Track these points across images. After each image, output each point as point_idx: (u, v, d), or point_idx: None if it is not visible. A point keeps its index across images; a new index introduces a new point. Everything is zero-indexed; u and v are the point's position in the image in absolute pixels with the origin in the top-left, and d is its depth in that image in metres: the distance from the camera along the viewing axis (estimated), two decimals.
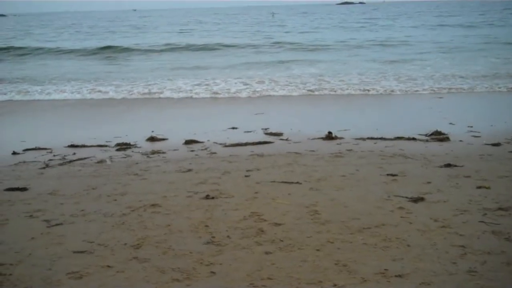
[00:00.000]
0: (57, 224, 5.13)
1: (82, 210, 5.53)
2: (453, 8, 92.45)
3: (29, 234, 4.90)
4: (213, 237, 4.68)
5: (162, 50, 29.10)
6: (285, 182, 6.36)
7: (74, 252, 4.45)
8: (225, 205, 5.55)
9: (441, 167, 6.92)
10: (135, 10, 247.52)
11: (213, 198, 5.81)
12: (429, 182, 6.22)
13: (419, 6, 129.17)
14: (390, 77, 17.15)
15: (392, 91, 14.70)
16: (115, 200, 5.86)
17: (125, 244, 4.58)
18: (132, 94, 15.17)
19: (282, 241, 4.55)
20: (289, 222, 4.99)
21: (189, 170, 7.11)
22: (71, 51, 29.59)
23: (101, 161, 7.82)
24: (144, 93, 15.21)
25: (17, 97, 15.31)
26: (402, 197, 5.65)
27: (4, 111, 13.06)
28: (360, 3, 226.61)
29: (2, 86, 17.25)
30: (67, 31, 53.95)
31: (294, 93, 14.63)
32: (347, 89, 14.99)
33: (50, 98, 15.08)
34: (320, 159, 7.54)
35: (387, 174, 6.59)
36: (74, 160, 7.93)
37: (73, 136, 9.49)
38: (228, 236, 4.69)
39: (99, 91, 15.79)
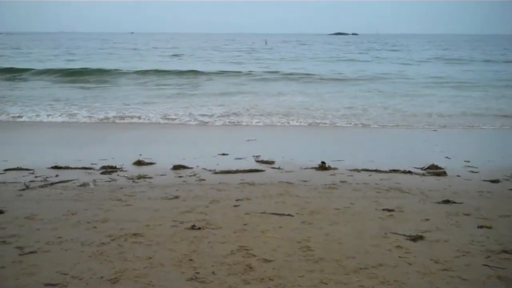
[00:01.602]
0: (30, 252, 4.76)
1: (59, 237, 5.16)
2: (450, 43, 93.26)
3: (0, 262, 4.52)
4: (197, 272, 4.33)
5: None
6: (276, 214, 6.03)
7: (46, 284, 4.09)
8: (212, 237, 5.20)
9: (439, 203, 6.62)
10: (132, 33, 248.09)
11: (199, 228, 5.46)
12: (427, 219, 5.91)
13: (412, 39, 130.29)
14: (382, 109, 17.00)
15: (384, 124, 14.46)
16: (95, 227, 5.50)
17: (102, 277, 4.22)
18: (119, 117, 14.84)
19: (271, 280, 4.21)
20: (280, 258, 4.65)
21: (176, 197, 6.77)
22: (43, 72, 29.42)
23: (84, 185, 7.46)
24: (133, 117, 14.86)
25: (2, 117, 14.87)
26: (400, 234, 5.33)
27: None
28: (353, 34, 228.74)
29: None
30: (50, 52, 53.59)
31: (288, 122, 14.35)
32: (340, 119, 14.77)
33: (37, 120, 14.64)
34: (313, 190, 7.22)
35: (383, 209, 6.27)
36: (56, 183, 7.56)
37: (58, 157, 9.15)
38: (213, 273, 4.33)
39: (90, 113, 15.50)
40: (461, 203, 6.63)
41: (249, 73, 30.26)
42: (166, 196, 6.84)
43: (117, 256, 4.67)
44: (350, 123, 14.27)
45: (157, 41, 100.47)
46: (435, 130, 13.29)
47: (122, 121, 14.46)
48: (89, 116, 15.01)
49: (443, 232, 5.46)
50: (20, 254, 4.71)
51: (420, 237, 5.25)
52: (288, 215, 6.00)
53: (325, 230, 5.46)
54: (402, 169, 8.54)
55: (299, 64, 39.64)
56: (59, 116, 15.09)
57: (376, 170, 8.48)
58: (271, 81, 26.99)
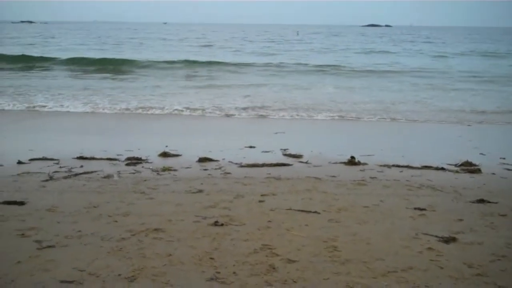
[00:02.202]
0: (48, 246, 4.65)
1: (79, 231, 5.04)
2: (486, 35, 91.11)
3: (17, 256, 4.41)
4: (218, 272, 4.15)
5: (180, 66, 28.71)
6: (302, 211, 5.82)
7: (62, 281, 3.97)
8: (235, 234, 5.02)
9: (473, 202, 6.32)
10: (165, 23, 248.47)
11: (222, 225, 5.29)
12: (460, 220, 5.63)
13: (448, 31, 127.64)
14: (414, 102, 16.62)
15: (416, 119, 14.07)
16: (116, 221, 5.37)
17: (119, 275, 4.08)
18: (146, 108, 14.75)
19: (295, 282, 4.01)
20: (304, 259, 4.45)
21: (200, 191, 6.61)
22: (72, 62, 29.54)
23: (108, 176, 7.36)
24: (160, 107, 14.79)
25: (27, 106, 14.92)
26: (432, 235, 5.07)
27: (15, 119, 12.75)
28: (387, 26, 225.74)
29: (16, 94, 17.05)
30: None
31: (317, 115, 14.07)
32: (370, 113, 14.44)
33: (63, 110, 14.64)
34: (342, 186, 6.98)
35: (415, 208, 6.01)
36: (80, 174, 7.47)
37: (84, 147, 9.10)
38: (234, 273, 4.15)
39: (114, 103, 15.51)
40: (496, 203, 6.32)
41: (279, 65, 29.93)
42: (190, 189, 6.69)
43: (136, 252, 4.53)
44: (381, 117, 13.91)
45: (190, 31, 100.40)
46: (469, 125, 12.88)
47: (148, 111, 14.34)
48: (114, 107, 14.94)
49: (477, 234, 5.18)
50: (38, 248, 4.60)
51: (453, 239, 4.99)
52: (315, 212, 5.79)
53: (353, 229, 5.23)
54: (434, 165, 8.23)
55: (330, 56, 39.20)
56: (86, 105, 15.08)
57: (407, 166, 8.18)
58: (301, 73, 26.64)
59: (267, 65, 29.95)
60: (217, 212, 5.73)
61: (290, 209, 5.89)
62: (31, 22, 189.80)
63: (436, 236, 5.04)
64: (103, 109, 14.59)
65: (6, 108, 14.58)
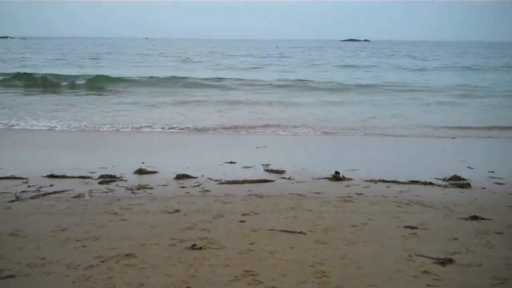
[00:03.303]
0: (7, 277, 4.19)
1: (43, 258, 4.59)
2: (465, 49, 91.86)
3: None
4: None
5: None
6: (287, 231, 5.43)
7: None
8: (214, 259, 4.61)
9: (466, 219, 6.00)
10: (147, 38, 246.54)
11: (200, 248, 4.87)
12: (455, 239, 5.29)
13: (426, 46, 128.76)
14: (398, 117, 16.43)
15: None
16: (84, 246, 4.93)
17: None
18: (122, 124, 14.22)
19: None
20: (291, 286, 4.05)
21: (177, 211, 6.19)
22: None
23: (78, 196, 6.91)
24: (136, 124, 14.24)
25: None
26: (427, 257, 4.71)
27: None
28: (365, 40, 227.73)
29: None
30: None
31: (299, 130, 13.69)
32: (353, 127, 14.11)
33: (35, 127, 13.95)
34: (327, 203, 6.61)
35: (405, 226, 5.66)
36: (49, 193, 7.01)
37: (55, 165, 8.60)
38: None
39: (88, 119, 14.94)
40: (490, 219, 6.01)
41: (260, 81, 29.34)
42: (166, 209, 6.27)
43: (104, 282, 4.09)
44: (363, 132, 13.57)
45: (168, 46, 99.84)
46: (453, 138, 12.62)
47: (124, 128, 13.75)
48: (88, 123, 14.31)
49: (474, 255, 4.83)
50: None
51: (450, 261, 4.63)
52: (300, 232, 5.40)
53: (342, 251, 4.84)
54: (422, 180, 7.95)
55: (312, 70, 39.04)
56: (59, 122, 14.47)
57: (394, 181, 7.87)
58: (282, 88, 26.22)
59: (251, 81, 29.27)
60: (194, 234, 5.32)
61: (273, 229, 5.51)
62: (9, 37, 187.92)
63: (431, 258, 4.68)
64: (77, 126, 13.97)
65: None
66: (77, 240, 5.10)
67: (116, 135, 12.77)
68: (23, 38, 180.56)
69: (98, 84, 26.43)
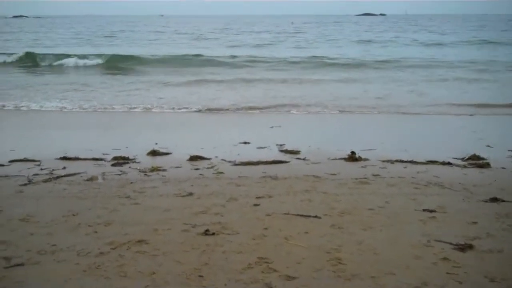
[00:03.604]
0: (17, 265, 4.12)
1: (53, 245, 4.51)
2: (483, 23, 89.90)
3: None
4: None
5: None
6: (302, 215, 5.31)
7: None
8: (227, 245, 4.50)
9: (486, 201, 5.83)
10: (162, 15, 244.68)
11: (213, 234, 4.77)
12: (475, 222, 5.12)
13: (445, 19, 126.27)
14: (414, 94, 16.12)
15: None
16: (96, 232, 4.85)
17: None
18: (135, 105, 14.12)
19: None
20: (306, 274, 3.93)
21: (190, 194, 6.10)
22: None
23: (91, 179, 6.83)
24: (148, 104, 14.14)
25: (10, 106, 14.09)
26: (446, 242, 4.56)
27: None
28: (381, 14, 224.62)
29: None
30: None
31: (314, 108, 13.49)
32: (369, 105, 13.87)
33: (49, 108, 13.92)
34: (343, 185, 6.47)
35: (424, 210, 5.50)
36: (62, 176, 6.94)
37: (69, 146, 8.55)
38: None
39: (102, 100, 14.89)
40: (511, 201, 5.83)
41: (275, 58, 28.93)
42: (179, 192, 6.17)
43: (115, 270, 4.01)
44: (379, 110, 13.34)
45: (183, 24, 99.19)
46: (471, 115, 12.36)
47: (137, 108, 13.63)
48: (102, 104, 14.23)
49: (495, 240, 4.67)
50: (5, 267, 4.07)
51: (470, 246, 4.48)
52: (315, 216, 5.28)
53: (358, 237, 4.71)
54: (440, 160, 7.74)
55: (328, 47, 38.56)
56: (73, 103, 14.40)
57: (411, 161, 7.69)
58: (296, 65, 25.94)
59: (263, 59, 28.87)
60: (208, 218, 5.22)
61: (288, 213, 5.39)
62: (24, 16, 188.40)
63: (450, 243, 4.53)
64: (89, 106, 13.90)
65: None
66: (88, 225, 5.03)
67: (129, 115, 12.70)
68: (38, 17, 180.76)
69: (110, 64, 26.29)
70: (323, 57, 28.65)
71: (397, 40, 45.34)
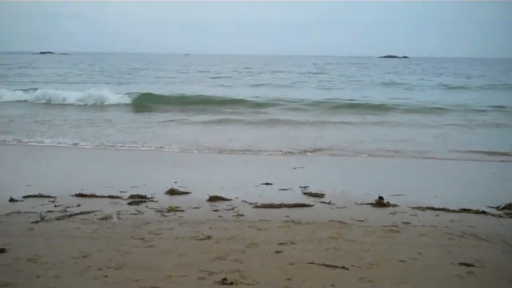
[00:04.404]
0: None
1: None
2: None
3: None
4: None
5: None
6: (327, 265, 4.92)
7: None
8: None
9: None
10: (187, 54, 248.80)
11: (231, 283, 4.41)
12: None
13: (470, 62, 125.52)
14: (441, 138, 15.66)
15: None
16: (106, 276, 4.52)
17: None
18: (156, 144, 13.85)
19: None
20: None
21: (208, 238, 5.75)
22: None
23: (105, 218, 6.53)
24: (171, 143, 13.89)
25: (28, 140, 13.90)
26: None
27: (15, 152, 12.04)
28: (404, 57, 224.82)
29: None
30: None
31: (337, 151, 13.07)
32: (397, 150, 13.39)
33: (69, 144, 13.61)
34: (371, 233, 6.07)
35: (460, 263, 5.07)
36: (76, 214, 6.66)
37: (86, 182, 8.31)
38: None
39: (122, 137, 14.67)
40: None
41: (298, 99, 28.50)
42: (196, 235, 5.83)
43: None
44: (406, 154, 12.87)
45: (207, 62, 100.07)
46: (502, 161, 11.87)
47: (161, 148, 13.29)
48: (122, 141, 13.99)
49: None
50: None
51: None
52: (342, 267, 4.88)
53: None
54: (473, 208, 7.30)
55: (352, 89, 38.26)
56: (95, 140, 14.19)
57: (443, 209, 7.25)
58: (320, 106, 25.60)
59: (286, 98, 28.62)
60: (226, 265, 4.85)
61: (313, 262, 5.00)
62: (50, 52, 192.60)
63: None
64: (112, 144, 13.67)
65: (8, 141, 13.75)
66: (98, 269, 4.70)
67: (151, 153, 12.43)
68: (64, 54, 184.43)
69: (135, 102, 26.17)
70: (347, 99, 28.31)
71: (421, 83, 44.92)
